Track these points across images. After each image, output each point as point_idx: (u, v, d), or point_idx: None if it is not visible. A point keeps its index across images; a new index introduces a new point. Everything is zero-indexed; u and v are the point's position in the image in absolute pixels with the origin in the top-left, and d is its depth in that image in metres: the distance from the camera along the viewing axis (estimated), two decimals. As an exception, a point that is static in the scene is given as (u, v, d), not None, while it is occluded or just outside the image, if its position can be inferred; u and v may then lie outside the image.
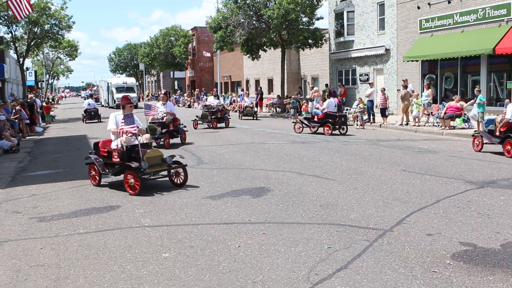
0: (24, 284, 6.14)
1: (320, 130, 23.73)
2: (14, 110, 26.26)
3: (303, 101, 35.25)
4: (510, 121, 15.36)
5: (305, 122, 24.34)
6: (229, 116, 29.82)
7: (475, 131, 18.85)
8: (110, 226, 8.59)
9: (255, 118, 35.05)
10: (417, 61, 29.54)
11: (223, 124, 28.29)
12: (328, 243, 7.27)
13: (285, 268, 6.36)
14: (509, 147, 15.10)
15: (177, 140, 20.45)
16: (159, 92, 23.75)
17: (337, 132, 23.24)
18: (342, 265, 6.42)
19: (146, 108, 16.41)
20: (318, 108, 24.60)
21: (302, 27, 36.56)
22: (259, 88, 47.91)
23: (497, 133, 15.90)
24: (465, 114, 23.39)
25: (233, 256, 6.83)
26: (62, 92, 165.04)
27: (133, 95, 58.11)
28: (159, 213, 9.34)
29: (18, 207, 10.23)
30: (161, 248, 7.27)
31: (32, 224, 8.89)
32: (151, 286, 5.94)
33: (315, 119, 23.90)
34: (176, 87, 79.29)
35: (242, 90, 47.14)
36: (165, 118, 19.93)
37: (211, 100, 30.59)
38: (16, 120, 25.24)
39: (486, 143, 16.29)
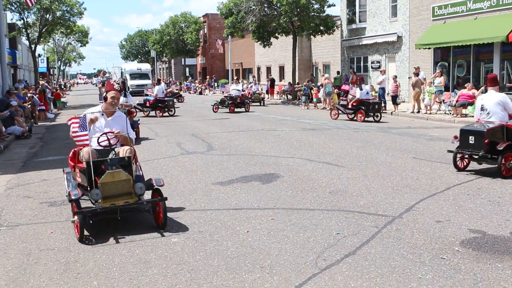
0: (34, 268, 6.20)
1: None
2: (27, 97, 26.41)
3: (315, 88, 35.14)
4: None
5: (341, 108, 24.55)
6: (248, 101, 31.78)
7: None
8: (119, 211, 8.62)
9: (262, 104, 36.20)
10: (429, 48, 29.33)
11: (242, 109, 30.28)
12: (336, 229, 7.27)
13: (293, 253, 6.38)
14: (360, 115, 22.89)
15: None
16: (235, 78, 23.11)
17: (371, 119, 23.19)
18: (351, 251, 6.43)
19: (101, 99, 15.35)
20: (353, 95, 24.53)
21: (313, 14, 36.37)
22: (269, 75, 47.85)
23: (349, 106, 23.38)
24: (477, 102, 23.20)
25: (242, 241, 6.86)
26: (80, 78, 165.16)
27: (147, 81, 57.29)
28: (168, 198, 9.32)
29: (29, 192, 10.31)
30: (170, 233, 7.30)
31: (43, 209, 8.96)
32: (159, 270, 5.97)
33: (349, 106, 24.12)
34: (187, 74, 79.30)
35: (254, 77, 47.07)
36: (234, 94, 24.80)
37: (234, 87, 32.37)
38: (29, 106, 25.38)
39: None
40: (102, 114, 8.25)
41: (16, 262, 6.41)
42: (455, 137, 11.49)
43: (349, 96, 25.05)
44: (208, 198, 9.29)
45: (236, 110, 29.79)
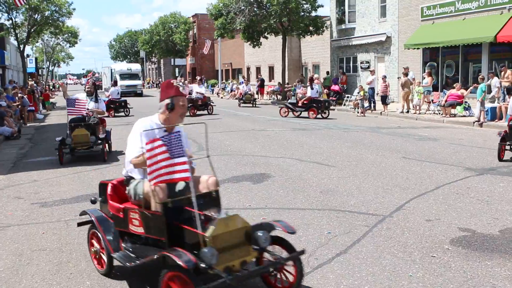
0: (26, 268, 6.20)
1: (304, 114, 25.71)
2: (17, 98, 26.29)
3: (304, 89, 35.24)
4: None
5: (290, 106, 26.34)
6: (212, 103, 29.92)
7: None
8: (111, 211, 8.63)
9: (254, 105, 35.49)
10: (418, 48, 29.47)
11: (205, 112, 28.92)
12: (328, 229, 7.33)
13: (285, 252, 6.42)
14: (312, 112, 24.92)
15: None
16: (197, 78, 22.24)
17: (319, 116, 25.21)
18: (342, 250, 6.48)
19: (69, 104, 13.67)
20: (303, 94, 26.46)
21: (303, 14, 36.46)
22: (259, 75, 47.88)
23: (299, 104, 25.42)
24: (465, 102, 23.38)
25: (234, 241, 6.88)
26: (70, 79, 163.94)
27: (137, 82, 57.13)
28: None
29: (19, 193, 10.29)
30: (162, 233, 7.30)
31: (34, 210, 8.95)
32: (153, 268, 5.98)
33: (299, 104, 25.96)
34: (177, 74, 79.15)
35: (243, 77, 47.06)
36: (195, 96, 24.44)
37: (197, 88, 29.98)
38: (18, 107, 25.27)
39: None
40: (165, 131, 5.47)
41: (8, 263, 6.41)
42: (499, 134, 13.12)
43: (298, 95, 26.83)
44: (200, 198, 9.30)
45: (198, 113, 28.13)
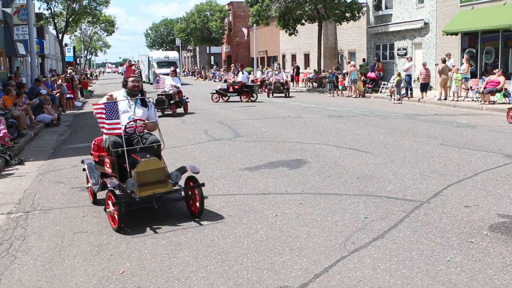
0: (68, 249, 6.36)
1: (235, 98, 28.72)
2: (56, 85, 26.77)
3: (340, 76, 35.01)
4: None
5: (222, 92, 29.04)
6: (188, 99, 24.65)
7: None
8: (149, 195, 8.77)
9: (287, 95, 32.26)
10: (456, 34, 28.97)
11: (237, 98, 29.08)
12: (364, 214, 7.32)
13: (322, 236, 6.45)
14: (244, 96, 28.48)
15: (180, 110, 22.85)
16: (170, 70, 22.78)
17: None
18: (379, 234, 6.47)
19: (155, 82, 16.26)
20: (233, 80, 30.66)
21: (339, 0, 36.16)
22: (294, 63, 47.71)
23: (231, 90, 28.93)
24: (505, 88, 22.93)
25: (270, 225, 6.94)
26: (108, 67, 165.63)
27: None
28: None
29: (60, 177, 10.52)
30: (200, 216, 7.41)
31: (74, 194, 9.14)
32: (190, 252, 6.09)
33: (231, 89, 29.05)
34: (212, 62, 79.44)
35: (279, 64, 47.12)
36: (171, 90, 21.94)
37: (169, 81, 23.67)
38: (58, 95, 25.73)
39: None
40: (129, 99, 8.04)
41: (50, 244, 6.58)
42: None
43: (229, 81, 31.42)
44: (237, 183, 9.39)
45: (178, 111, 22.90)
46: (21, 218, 7.71)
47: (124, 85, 8.13)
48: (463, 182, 9.04)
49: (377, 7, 37.53)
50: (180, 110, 23.03)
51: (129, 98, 8.04)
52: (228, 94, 29.02)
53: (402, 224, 6.84)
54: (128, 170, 7.32)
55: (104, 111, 7.45)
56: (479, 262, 5.54)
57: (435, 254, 5.79)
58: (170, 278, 5.40)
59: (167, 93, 22.42)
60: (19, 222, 7.53)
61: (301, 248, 6.08)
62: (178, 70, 54.65)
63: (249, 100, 28.50)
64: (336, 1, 35.83)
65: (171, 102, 22.25)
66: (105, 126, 7.47)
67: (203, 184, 7.50)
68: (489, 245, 6.01)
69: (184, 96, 23.51)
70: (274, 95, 32.64)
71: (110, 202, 7.07)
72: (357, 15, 36.68)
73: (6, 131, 13.65)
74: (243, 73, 31.46)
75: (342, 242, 6.23)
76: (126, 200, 7.18)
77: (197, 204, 7.43)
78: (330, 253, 5.89)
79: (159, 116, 12.38)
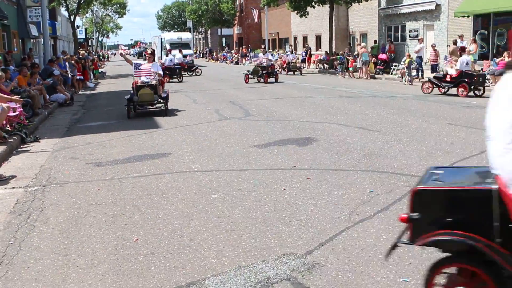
0: (84, 219, 6.63)
1: (452, 91, 20.64)
2: (71, 63, 27.08)
3: (351, 58, 35.03)
4: None
5: (435, 81, 21.55)
6: (278, 71, 31.86)
7: None
8: (161, 170, 9.04)
9: (300, 73, 35.81)
10: (468, 16, 28.87)
11: (273, 79, 29.25)
12: (370, 188, 7.52)
13: (328, 209, 6.67)
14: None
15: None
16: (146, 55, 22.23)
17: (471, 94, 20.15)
18: (383, 207, 6.68)
19: (135, 68, 17.12)
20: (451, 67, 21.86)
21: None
22: (306, 44, 47.69)
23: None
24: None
25: (279, 198, 7.17)
26: (122, 49, 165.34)
27: (188, 51, 56.53)
28: (208, 159, 9.73)
29: (75, 154, 10.79)
30: (210, 190, 7.66)
31: (89, 169, 9.41)
32: (201, 222, 6.33)
33: (447, 78, 21.07)
34: (223, 44, 79.42)
35: (290, 46, 46.93)
36: (265, 63, 28.32)
37: (262, 56, 31.21)
38: (71, 75, 26.01)
39: None
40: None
41: (67, 214, 6.85)
42: None
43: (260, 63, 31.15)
44: (246, 159, 9.62)
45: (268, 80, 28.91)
46: (38, 191, 7.99)
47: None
48: (468, 159, 9.22)
49: (389, -12, 37.40)
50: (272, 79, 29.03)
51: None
52: (442, 84, 20.93)
53: (406, 197, 7.00)
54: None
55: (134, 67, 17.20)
56: (479, 233, 5.73)
57: (437, 225, 5.99)
58: (182, 245, 5.65)
59: (262, 65, 29.42)
60: (37, 195, 7.81)
61: (307, 219, 6.31)
62: (190, 51, 54.62)
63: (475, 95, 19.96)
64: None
65: (263, 72, 28.84)
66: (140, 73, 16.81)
67: (167, 98, 16.34)
68: (490, 217, 6.19)
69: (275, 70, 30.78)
70: (288, 73, 35.71)
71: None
72: (368, -4, 36.60)
73: (21, 109, 13.92)
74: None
75: (347, 214, 6.45)
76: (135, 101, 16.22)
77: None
78: (335, 224, 6.12)
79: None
